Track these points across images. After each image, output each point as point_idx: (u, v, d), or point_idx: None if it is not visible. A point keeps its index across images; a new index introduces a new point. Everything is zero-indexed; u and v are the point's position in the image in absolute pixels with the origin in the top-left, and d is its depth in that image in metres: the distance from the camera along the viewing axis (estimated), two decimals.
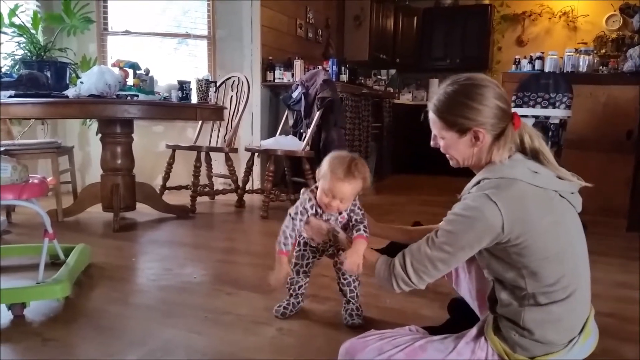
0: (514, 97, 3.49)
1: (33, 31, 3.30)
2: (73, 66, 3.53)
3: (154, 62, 3.98)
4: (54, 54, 3.39)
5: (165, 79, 3.67)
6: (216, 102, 3.91)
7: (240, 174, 4.05)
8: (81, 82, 2.78)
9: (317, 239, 1.62)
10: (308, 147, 3.68)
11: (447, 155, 1.31)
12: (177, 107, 3.25)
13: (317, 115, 3.71)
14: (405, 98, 6.74)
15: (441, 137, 1.27)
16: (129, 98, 2.93)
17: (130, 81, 3.10)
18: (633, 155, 3.43)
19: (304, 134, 3.81)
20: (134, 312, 1.85)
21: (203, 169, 4.01)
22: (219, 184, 4.54)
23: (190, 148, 3.90)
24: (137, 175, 3.36)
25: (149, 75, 3.25)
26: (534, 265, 1.14)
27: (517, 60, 4.48)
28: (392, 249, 1.53)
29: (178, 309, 1.86)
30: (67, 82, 3.17)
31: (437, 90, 1.28)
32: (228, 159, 3.95)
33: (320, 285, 2.03)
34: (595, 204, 3.21)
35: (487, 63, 6.52)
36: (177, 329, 1.68)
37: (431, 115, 1.27)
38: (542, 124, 3.34)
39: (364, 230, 1.52)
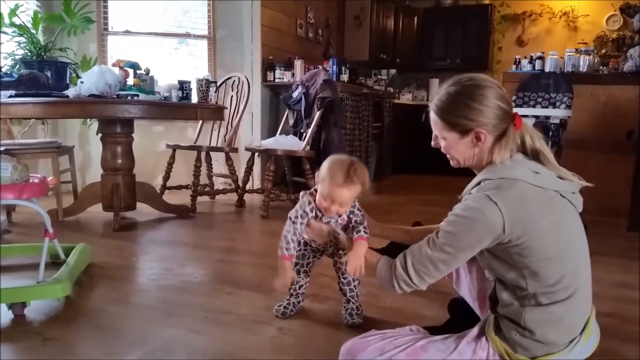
0: (514, 97, 3.49)
1: (33, 31, 3.30)
2: (73, 66, 3.53)
3: (154, 62, 3.98)
4: (54, 54, 3.39)
5: (165, 79, 3.68)
6: (216, 102, 3.91)
7: (241, 173, 4.05)
8: (81, 82, 2.78)
9: (318, 240, 1.63)
10: (308, 147, 3.68)
11: (447, 156, 1.31)
12: (177, 107, 3.25)
13: (317, 115, 3.71)
14: (406, 98, 6.74)
15: (442, 137, 1.27)
16: (129, 98, 2.93)
17: (130, 81, 3.10)
18: (633, 155, 3.43)
19: (304, 134, 3.81)
20: (134, 311, 1.85)
21: (203, 168, 4.01)
22: (219, 183, 4.54)
23: (190, 148, 3.90)
24: (137, 174, 3.36)
25: (150, 75, 3.25)
26: (535, 266, 1.14)
27: (518, 60, 4.48)
28: (393, 249, 1.54)
29: (178, 308, 1.86)
30: (68, 81, 3.17)
31: (439, 91, 1.27)
32: (228, 159, 3.95)
33: (320, 284, 2.03)
34: (596, 203, 3.20)
35: (488, 63, 6.53)
36: (177, 328, 1.68)
37: (432, 116, 1.27)
38: (542, 124, 3.34)
39: (364, 231, 1.52)
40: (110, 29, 4.52)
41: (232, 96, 4.07)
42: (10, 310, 1.74)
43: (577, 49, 4.17)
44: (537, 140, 1.23)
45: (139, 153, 3.47)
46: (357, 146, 4.97)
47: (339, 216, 1.57)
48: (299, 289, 1.78)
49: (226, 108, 3.89)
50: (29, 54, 3.23)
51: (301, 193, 1.61)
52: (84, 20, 3.60)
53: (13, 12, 3.26)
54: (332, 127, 3.86)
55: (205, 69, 4.66)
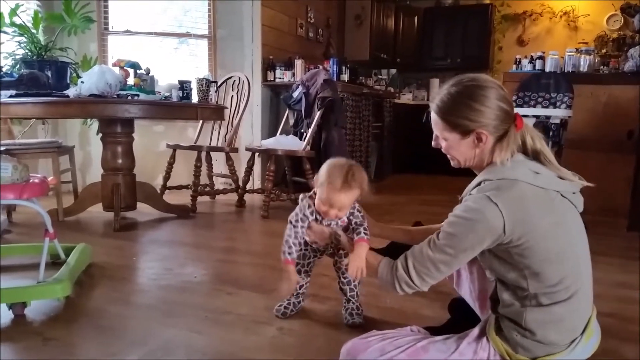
0: (514, 97, 3.49)
1: (34, 31, 3.30)
2: (74, 66, 3.53)
3: (154, 62, 3.98)
4: (54, 54, 3.39)
5: (165, 79, 3.68)
6: (217, 102, 3.91)
7: (241, 173, 4.05)
8: (82, 82, 2.78)
9: (320, 242, 1.63)
10: (309, 147, 3.68)
11: (448, 156, 1.31)
12: (177, 107, 3.24)
13: (317, 115, 3.71)
14: (406, 98, 6.74)
15: (443, 138, 1.26)
16: (129, 98, 2.93)
17: (130, 81, 3.11)
18: (634, 155, 3.43)
19: (305, 134, 3.81)
20: (135, 311, 1.85)
21: (204, 168, 4.01)
22: (219, 183, 4.54)
23: (190, 148, 3.90)
24: (137, 174, 3.36)
25: (150, 74, 3.25)
26: (536, 266, 1.14)
27: (518, 60, 4.48)
28: (393, 249, 1.54)
29: (178, 308, 1.86)
30: (68, 81, 3.17)
31: (440, 91, 1.27)
32: (229, 159, 3.95)
33: (320, 284, 2.03)
34: (596, 203, 3.20)
35: (488, 63, 6.52)
36: (177, 328, 1.68)
37: (433, 116, 1.27)
38: (543, 124, 3.34)
39: (364, 233, 1.52)
40: (110, 29, 4.52)
41: (232, 96, 4.07)
42: (11, 310, 1.75)
43: (577, 49, 4.16)
44: (538, 141, 1.23)
45: (140, 153, 3.47)
46: (357, 146, 4.96)
47: (339, 219, 1.58)
48: (300, 289, 1.78)
49: (226, 108, 3.89)
50: (29, 53, 3.23)
51: (300, 196, 1.62)
52: (85, 20, 3.60)
53: (13, 12, 3.26)
54: (332, 127, 3.86)
55: (205, 69, 4.66)
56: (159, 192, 3.72)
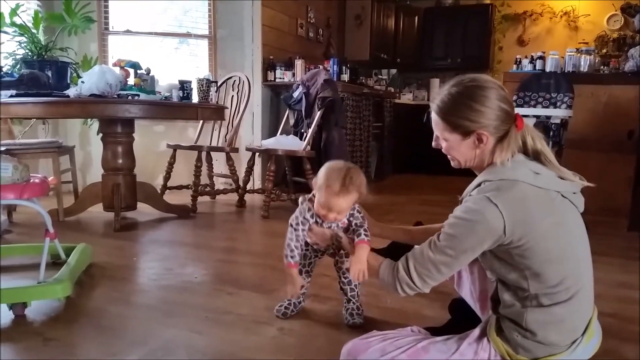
0: (515, 97, 3.48)
1: (34, 31, 3.30)
2: (74, 66, 3.53)
3: (154, 62, 3.98)
4: (55, 54, 3.39)
5: (166, 79, 3.68)
6: (217, 102, 3.91)
7: (241, 173, 4.05)
8: (82, 82, 2.78)
9: (321, 244, 1.64)
10: (309, 147, 3.68)
11: (448, 156, 1.30)
12: (178, 107, 3.25)
13: (318, 115, 3.71)
14: (406, 98, 6.74)
15: (444, 138, 1.26)
16: (130, 98, 2.93)
17: (131, 81, 3.11)
18: (634, 155, 3.43)
19: (305, 134, 3.81)
20: (135, 311, 1.85)
21: (204, 168, 4.01)
22: (219, 183, 4.54)
23: (191, 148, 3.90)
24: (138, 174, 3.36)
25: (150, 74, 3.25)
26: (536, 267, 1.14)
27: (518, 60, 4.48)
28: (394, 249, 1.54)
29: (179, 308, 1.86)
30: (68, 81, 3.17)
31: (440, 91, 1.27)
32: (229, 159, 3.95)
33: (321, 285, 2.03)
34: (596, 203, 3.19)
35: (488, 63, 6.52)
36: (178, 328, 1.68)
37: (434, 117, 1.27)
38: (543, 124, 3.34)
39: (364, 234, 1.52)
40: (111, 29, 4.52)
41: (232, 96, 4.07)
42: (11, 310, 1.74)
43: (577, 49, 4.16)
44: (538, 141, 1.23)
45: (140, 153, 3.47)
46: (357, 146, 4.97)
47: (339, 221, 1.58)
48: (300, 289, 1.78)
49: (227, 108, 3.89)
50: (29, 53, 3.23)
51: (300, 199, 1.62)
52: (85, 20, 3.60)
53: (14, 12, 3.26)
54: (332, 127, 3.86)
55: (205, 69, 4.66)
56: (159, 192, 3.72)
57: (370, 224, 1.58)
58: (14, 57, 3.54)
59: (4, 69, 3.20)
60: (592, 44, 5.64)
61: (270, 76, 4.71)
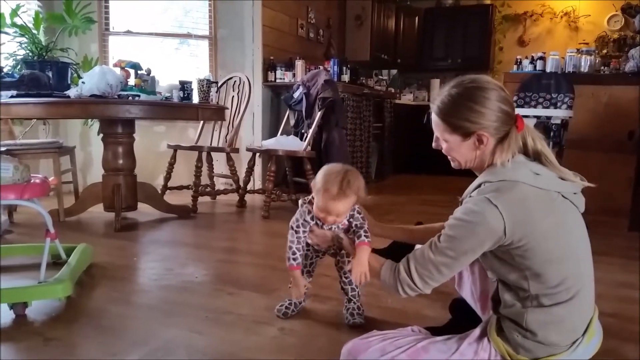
0: (515, 98, 3.49)
1: (35, 31, 3.30)
2: (75, 66, 3.54)
3: (155, 62, 3.98)
4: (55, 54, 3.39)
5: (166, 79, 3.68)
6: (217, 102, 3.91)
7: (242, 174, 4.05)
8: (83, 82, 2.78)
9: (322, 245, 1.64)
10: (309, 147, 3.68)
11: (448, 157, 1.30)
12: (178, 107, 3.25)
13: (318, 115, 3.71)
14: (407, 98, 6.74)
15: (444, 139, 1.26)
16: (130, 98, 2.94)
17: (131, 81, 3.11)
18: (635, 156, 3.43)
19: (305, 134, 3.81)
20: (136, 311, 1.85)
21: (204, 169, 4.01)
22: (220, 184, 4.54)
23: (191, 148, 3.90)
24: (138, 175, 3.36)
25: (151, 75, 3.25)
26: (537, 267, 1.14)
27: (519, 60, 4.48)
28: (394, 249, 1.54)
29: (179, 308, 1.86)
30: (69, 82, 3.17)
31: (440, 92, 1.27)
32: (229, 159, 3.96)
33: (321, 285, 2.03)
34: (597, 203, 3.17)
35: (489, 63, 6.52)
36: (178, 328, 1.68)
37: (434, 118, 1.27)
38: (543, 124, 3.34)
39: (364, 235, 1.52)
40: (111, 29, 4.53)
41: (233, 96, 4.08)
42: (12, 310, 1.75)
43: (578, 49, 4.17)
44: (539, 142, 1.23)
45: (140, 153, 3.47)
46: (358, 146, 4.97)
47: (339, 223, 1.58)
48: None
49: (227, 108, 3.90)
50: (30, 54, 3.23)
51: (300, 201, 1.62)
52: (85, 21, 3.60)
53: (14, 12, 3.26)
54: (333, 128, 3.86)
55: (206, 69, 4.66)
56: (159, 192, 3.73)
57: (371, 224, 1.59)
58: (14, 57, 3.54)
59: (5, 70, 3.21)
60: (592, 45, 5.64)
61: (271, 76, 4.71)
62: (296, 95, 4.01)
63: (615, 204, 3.58)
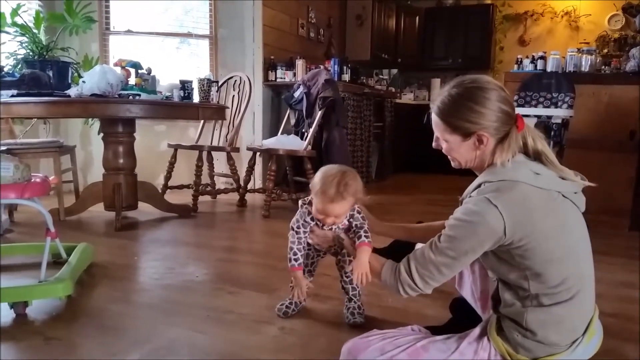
0: (516, 97, 3.48)
1: (35, 31, 3.30)
2: (75, 65, 3.54)
3: (155, 62, 3.98)
4: (56, 54, 3.39)
5: (167, 79, 3.68)
6: (218, 102, 3.91)
7: (242, 173, 4.06)
8: (83, 82, 2.78)
9: (323, 245, 1.65)
10: (310, 147, 3.68)
11: (449, 157, 1.30)
12: (179, 107, 3.25)
13: (318, 114, 3.71)
14: (407, 98, 6.74)
15: (444, 139, 1.26)
16: (131, 97, 2.93)
17: (132, 80, 3.11)
18: (635, 155, 3.42)
19: (306, 134, 3.81)
20: (136, 311, 1.85)
21: (205, 168, 4.01)
22: (220, 183, 4.54)
23: (192, 147, 3.90)
24: (139, 174, 3.36)
25: (151, 74, 3.25)
26: (537, 267, 1.14)
27: (519, 60, 4.48)
28: (395, 248, 1.54)
29: (180, 308, 1.86)
30: (70, 81, 3.17)
31: (441, 92, 1.26)
32: (230, 159, 3.96)
33: (322, 284, 2.03)
34: (598, 203, 3.17)
35: (489, 63, 6.52)
36: (179, 328, 1.68)
37: (434, 118, 1.26)
38: (544, 124, 3.34)
39: (365, 236, 1.52)
40: (112, 29, 4.53)
41: (233, 96, 4.08)
42: (12, 309, 1.75)
43: (579, 49, 4.16)
44: (539, 141, 1.23)
45: (141, 153, 3.47)
46: (358, 146, 4.97)
47: (339, 223, 1.58)
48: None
49: (228, 108, 3.89)
50: (30, 53, 3.23)
51: (300, 202, 1.62)
52: (86, 20, 3.60)
53: (15, 12, 3.26)
54: (333, 127, 3.86)
55: (206, 69, 4.66)
56: (160, 191, 3.73)
57: (372, 223, 1.59)
58: (15, 57, 3.54)
59: (5, 69, 3.21)
60: (593, 44, 5.64)
61: (271, 76, 4.71)
62: (297, 94, 4.01)
63: (615, 204, 3.58)
